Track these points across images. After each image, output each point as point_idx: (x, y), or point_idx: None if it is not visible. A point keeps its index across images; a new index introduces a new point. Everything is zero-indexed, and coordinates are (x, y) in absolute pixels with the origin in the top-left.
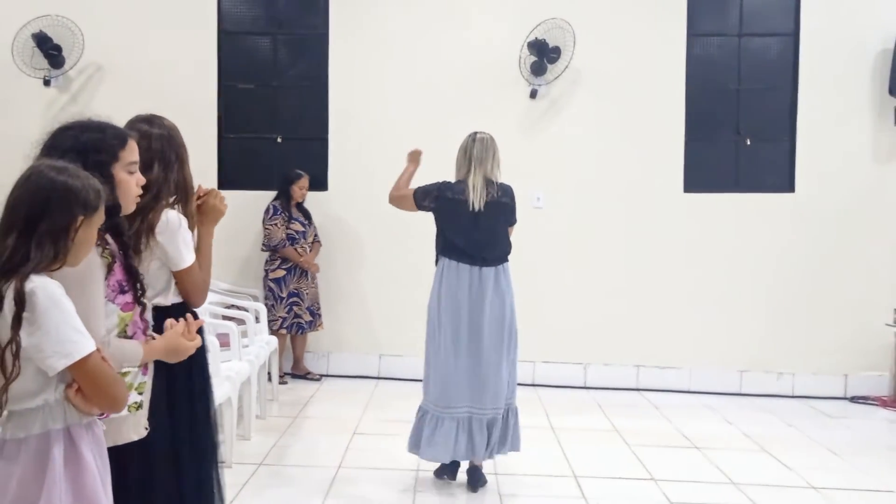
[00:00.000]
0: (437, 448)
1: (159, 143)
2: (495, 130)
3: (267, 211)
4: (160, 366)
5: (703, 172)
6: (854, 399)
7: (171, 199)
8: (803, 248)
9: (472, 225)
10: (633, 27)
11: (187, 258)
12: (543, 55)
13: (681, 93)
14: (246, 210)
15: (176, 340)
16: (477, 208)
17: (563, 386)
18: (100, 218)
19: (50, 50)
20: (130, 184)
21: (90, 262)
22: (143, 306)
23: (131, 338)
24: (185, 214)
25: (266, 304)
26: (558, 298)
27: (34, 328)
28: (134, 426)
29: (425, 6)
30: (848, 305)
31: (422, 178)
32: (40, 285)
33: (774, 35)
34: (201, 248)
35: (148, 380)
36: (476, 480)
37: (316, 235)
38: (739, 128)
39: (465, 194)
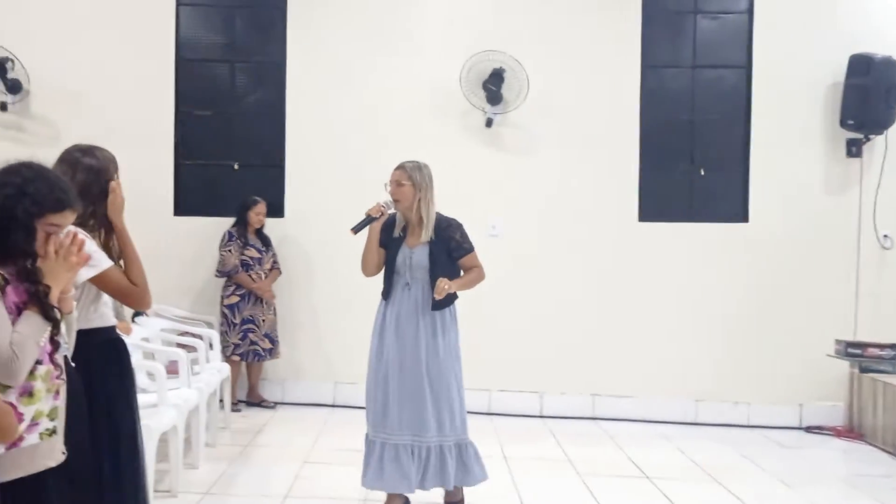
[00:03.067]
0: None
1: (84, 174)
2: (452, 158)
3: (223, 237)
4: (78, 389)
5: (658, 202)
6: (809, 429)
7: (93, 229)
8: (758, 278)
9: None
10: (588, 58)
11: (101, 262)
12: (499, 85)
13: (635, 123)
14: (203, 237)
15: (51, 267)
16: None
17: (518, 415)
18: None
19: (8, 76)
20: (40, 240)
21: None
22: (55, 323)
23: (39, 362)
24: (105, 247)
25: (221, 331)
26: (514, 327)
27: None
28: (49, 452)
29: (382, 34)
30: (802, 335)
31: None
32: None
33: (728, 67)
34: (124, 250)
35: (61, 404)
36: None
37: (275, 262)
38: (693, 158)
39: None
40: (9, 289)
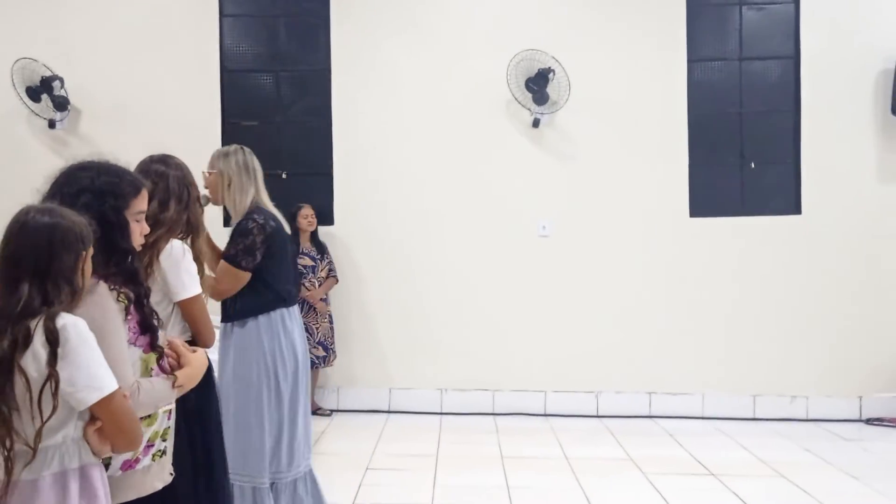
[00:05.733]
0: None
1: (176, 183)
2: (500, 160)
3: None
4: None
5: (709, 197)
6: (870, 421)
7: (181, 235)
8: (812, 270)
9: (290, 257)
10: (633, 54)
11: (190, 288)
12: (545, 84)
13: (683, 118)
14: None
15: (198, 363)
16: (288, 234)
17: (574, 415)
18: (91, 249)
19: (51, 94)
20: (135, 232)
21: (106, 308)
22: (161, 353)
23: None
24: (193, 250)
25: None
26: (567, 327)
27: (65, 363)
28: (159, 473)
29: (425, 39)
30: (859, 326)
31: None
32: (71, 323)
33: (775, 58)
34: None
35: (172, 424)
36: None
37: (331, 270)
38: (743, 151)
39: (276, 218)
40: (132, 309)
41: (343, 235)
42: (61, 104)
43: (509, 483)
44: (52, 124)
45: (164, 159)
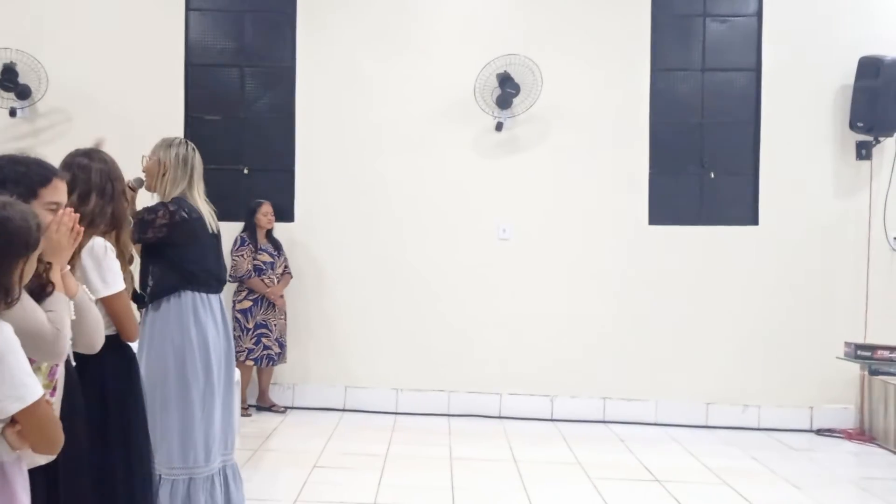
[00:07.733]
0: None
1: (98, 176)
2: (462, 162)
3: (235, 242)
4: (75, 385)
5: (668, 205)
6: (820, 432)
7: (104, 229)
8: (767, 281)
9: (214, 248)
10: (597, 62)
11: (112, 286)
12: (509, 88)
13: (645, 127)
14: None
15: (55, 238)
16: (214, 230)
17: (529, 418)
18: (40, 247)
19: (16, 81)
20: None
21: None
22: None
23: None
24: (118, 245)
25: (233, 335)
26: (524, 330)
27: None
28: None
29: (391, 39)
30: (813, 338)
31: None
32: None
33: (737, 70)
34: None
35: (56, 402)
36: None
37: (286, 268)
38: (703, 161)
39: (199, 213)
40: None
41: (303, 233)
42: (23, 93)
43: (454, 484)
44: (12, 112)
45: (89, 153)
